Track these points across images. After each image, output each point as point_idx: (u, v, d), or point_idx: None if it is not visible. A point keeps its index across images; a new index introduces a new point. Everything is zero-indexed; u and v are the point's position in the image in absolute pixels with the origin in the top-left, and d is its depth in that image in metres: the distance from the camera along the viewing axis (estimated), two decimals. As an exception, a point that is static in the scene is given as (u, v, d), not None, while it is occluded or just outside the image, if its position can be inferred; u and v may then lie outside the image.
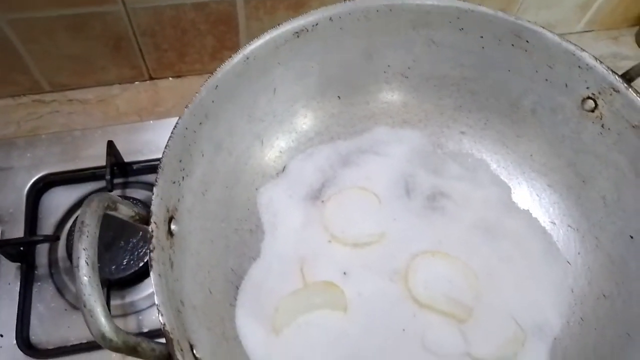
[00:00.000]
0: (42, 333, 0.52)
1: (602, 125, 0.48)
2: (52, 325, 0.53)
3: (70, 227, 0.58)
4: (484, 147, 0.57)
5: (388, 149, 0.57)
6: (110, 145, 0.59)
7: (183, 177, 0.42)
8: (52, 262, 0.56)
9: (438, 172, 0.56)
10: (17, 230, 0.56)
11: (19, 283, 0.54)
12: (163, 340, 0.33)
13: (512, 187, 0.55)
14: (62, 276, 0.55)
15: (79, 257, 0.28)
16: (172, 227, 0.39)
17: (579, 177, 0.52)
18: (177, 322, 0.36)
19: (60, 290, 0.55)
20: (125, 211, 0.33)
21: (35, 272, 0.55)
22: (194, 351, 0.36)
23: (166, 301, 0.34)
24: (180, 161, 0.41)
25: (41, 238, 0.55)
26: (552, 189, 0.54)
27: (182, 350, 0.33)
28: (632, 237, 0.47)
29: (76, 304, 0.54)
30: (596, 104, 0.48)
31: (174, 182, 0.41)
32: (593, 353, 0.46)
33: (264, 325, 0.46)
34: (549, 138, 0.53)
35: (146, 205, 0.55)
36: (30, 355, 0.51)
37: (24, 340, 0.51)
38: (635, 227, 0.47)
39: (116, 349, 0.28)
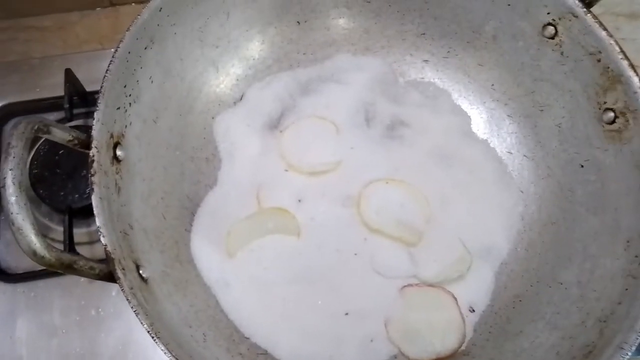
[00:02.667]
0: (11, 259, 0.54)
1: (562, 53, 0.48)
2: (20, 251, 0.54)
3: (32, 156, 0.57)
4: (446, 75, 0.56)
5: (349, 77, 0.56)
6: (68, 73, 0.58)
7: (130, 103, 0.42)
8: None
9: (399, 100, 0.56)
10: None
11: (-17, 213, 0.54)
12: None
13: (472, 116, 0.55)
14: (26, 204, 0.56)
15: (5, 178, 0.28)
16: (118, 152, 0.40)
17: (536, 106, 0.52)
18: (123, 244, 0.37)
19: (25, 218, 0.55)
20: (60, 135, 0.33)
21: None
22: (140, 271, 0.37)
23: (108, 223, 0.35)
24: (124, 86, 0.41)
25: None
26: (511, 118, 0.54)
27: (123, 269, 0.34)
28: (582, 166, 0.48)
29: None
30: (556, 31, 0.47)
31: (118, 108, 0.40)
32: (535, 275, 0.48)
33: (219, 250, 0.47)
34: (510, 66, 0.52)
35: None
36: (1, 280, 0.52)
37: (-7, 266, 0.53)
38: (585, 155, 0.47)
39: (50, 266, 0.29)
